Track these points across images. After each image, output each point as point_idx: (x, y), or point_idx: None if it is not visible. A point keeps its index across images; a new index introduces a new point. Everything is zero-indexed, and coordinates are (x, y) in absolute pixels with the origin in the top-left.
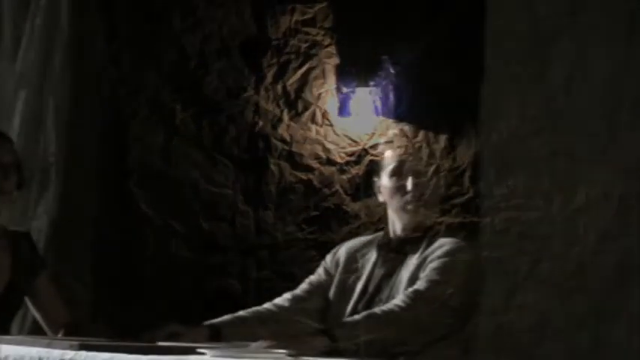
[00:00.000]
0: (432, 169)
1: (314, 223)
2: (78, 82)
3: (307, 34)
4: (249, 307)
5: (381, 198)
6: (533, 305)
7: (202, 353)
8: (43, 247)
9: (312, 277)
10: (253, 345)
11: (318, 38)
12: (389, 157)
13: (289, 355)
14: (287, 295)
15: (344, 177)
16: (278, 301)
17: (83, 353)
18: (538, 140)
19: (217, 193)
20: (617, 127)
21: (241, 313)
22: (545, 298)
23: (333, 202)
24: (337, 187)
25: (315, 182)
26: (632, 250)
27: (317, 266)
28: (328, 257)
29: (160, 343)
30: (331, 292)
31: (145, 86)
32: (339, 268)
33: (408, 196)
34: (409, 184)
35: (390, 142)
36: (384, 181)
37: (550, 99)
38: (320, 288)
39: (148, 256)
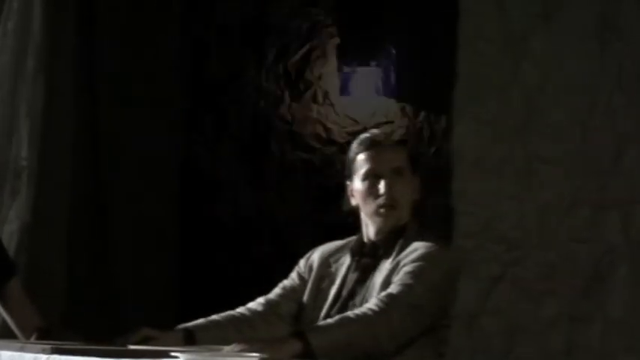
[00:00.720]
0: (407, 170)
1: (315, 202)
2: (51, 86)
3: (308, 14)
4: (252, 287)
5: (353, 202)
6: (506, 308)
7: (175, 357)
8: (15, 251)
9: (286, 282)
10: (226, 349)
11: (320, 18)
12: (361, 160)
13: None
14: (260, 300)
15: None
16: (252, 305)
17: (56, 357)
18: (511, 142)
19: (219, 174)
20: (591, 129)
21: (214, 317)
22: (519, 300)
23: (335, 182)
24: (338, 166)
25: (317, 162)
26: (604, 253)
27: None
28: (302, 262)
29: (133, 347)
30: (305, 297)
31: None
32: (313, 273)
33: (381, 200)
34: (382, 187)
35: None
36: (357, 184)
37: (524, 101)
38: (294, 292)
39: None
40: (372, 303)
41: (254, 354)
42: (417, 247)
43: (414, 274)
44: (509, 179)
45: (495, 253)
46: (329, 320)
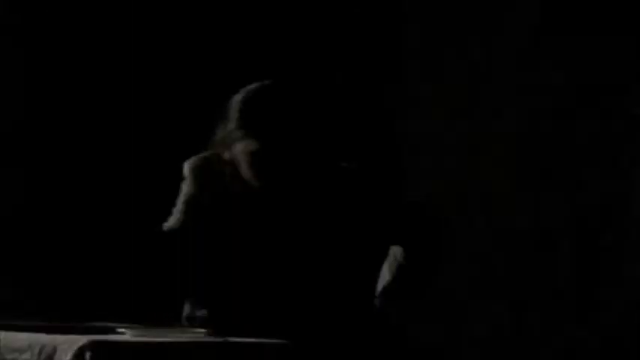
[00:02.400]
0: None
1: None
2: None
3: None
4: None
5: None
6: (451, 285)
7: (122, 333)
8: None
9: None
10: None
11: None
12: None
13: (208, 334)
14: None
15: None
16: None
17: (1, 333)
18: (457, 120)
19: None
20: (537, 107)
21: None
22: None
23: None
24: None
25: None
26: (548, 231)
27: None
28: None
29: (79, 324)
30: None
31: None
32: None
33: None
34: None
35: None
36: None
37: (471, 79)
38: None
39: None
40: None
41: (200, 329)
42: None
43: None
44: (454, 156)
45: None
46: None
